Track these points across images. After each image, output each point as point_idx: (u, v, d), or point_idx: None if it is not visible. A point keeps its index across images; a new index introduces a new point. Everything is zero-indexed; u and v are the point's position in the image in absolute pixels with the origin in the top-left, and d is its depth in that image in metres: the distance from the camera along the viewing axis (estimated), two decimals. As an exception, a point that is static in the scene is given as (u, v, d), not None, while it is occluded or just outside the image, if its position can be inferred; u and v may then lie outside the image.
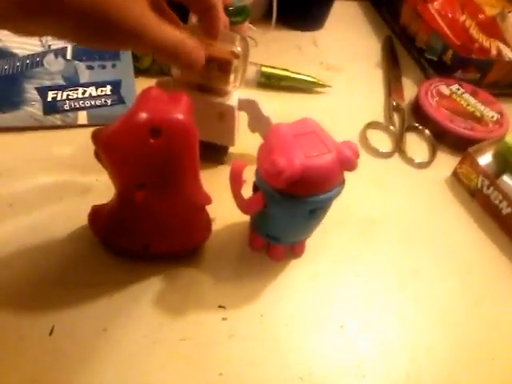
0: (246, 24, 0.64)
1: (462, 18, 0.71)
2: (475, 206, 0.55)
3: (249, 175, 0.39)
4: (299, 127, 0.38)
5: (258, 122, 0.51)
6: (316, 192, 0.37)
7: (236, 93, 0.48)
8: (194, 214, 0.39)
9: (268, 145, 0.38)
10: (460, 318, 0.44)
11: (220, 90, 0.47)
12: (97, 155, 0.36)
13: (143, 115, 0.33)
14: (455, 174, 0.57)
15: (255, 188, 0.40)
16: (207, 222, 0.42)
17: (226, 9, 0.59)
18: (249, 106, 0.50)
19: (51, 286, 0.39)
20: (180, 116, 0.33)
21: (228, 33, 0.51)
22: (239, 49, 0.45)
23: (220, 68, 0.45)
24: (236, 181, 0.40)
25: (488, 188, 0.53)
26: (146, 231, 0.39)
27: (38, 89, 0.51)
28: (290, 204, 0.38)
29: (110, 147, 0.34)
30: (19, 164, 0.47)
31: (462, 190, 0.56)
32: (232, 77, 0.46)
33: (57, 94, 0.51)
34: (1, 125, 0.48)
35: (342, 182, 0.39)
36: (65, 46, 0.53)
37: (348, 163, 0.37)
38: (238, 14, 0.61)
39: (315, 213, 0.39)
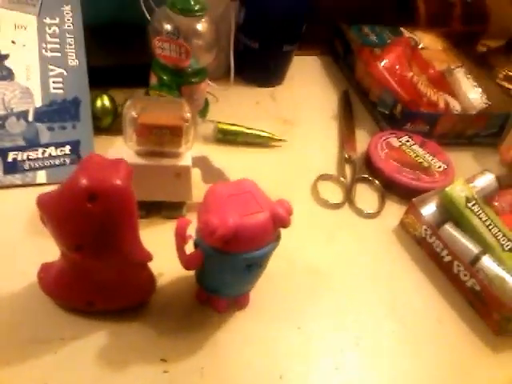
0: (205, 83, 0.68)
1: (410, 74, 0.75)
2: (421, 253, 0.57)
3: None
4: (235, 188, 0.41)
5: (211, 174, 0.54)
6: (250, 249, 0.40)
7: (189, 152, 0.52)
8: (134, 272, 0.41)
9: (205, 205, 0.41)
10: (401, 365, 0.46)
11: (174, 153, 0.50)
12: (41, 218, 0.38)
13: (81, 181, 0.35)
14: (402, 223, 0.60)
15: (195, 245, 0.42)
16: (150, 278, 0.44)
17: (184, 70, 0.64)
18: (201, 162, 0.53)
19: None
20: (116, 182, 0.36)
21: (175, 100, 0.55)
22: (188, 114, 0.48)
23: (172, 133, 0.48)
24: (180, 237, 0.42)
25: (431, 237, 0.56)
26: (88, 289, 0.41)
27: (-2, 150, 0.53)
28: (227, 260, 0.40)
29: (51, 211, 0.37)
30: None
31: (409, 239, 0.59)
32: (183, 139, 0.49)
33: (17, 154, 0.54)
34: (-39, 185, 0.51)
35: (277, 238, 0.42)
36: (27, 109, 0.56)
37: (281, 221, 0.40)
38: (196, 75, 0.65)
39: (252, 268, 0.41)
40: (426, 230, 0.56)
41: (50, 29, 0.60)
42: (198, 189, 0.53)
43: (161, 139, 0.48)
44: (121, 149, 0.50)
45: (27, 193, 0.53)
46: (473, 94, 0.78)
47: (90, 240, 0.37)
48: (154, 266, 0.45)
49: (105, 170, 0.37)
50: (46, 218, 0.37)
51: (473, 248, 0.54)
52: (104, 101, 0.61)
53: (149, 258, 0.41)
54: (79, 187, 0.35)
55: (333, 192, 0.63)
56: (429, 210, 0.58)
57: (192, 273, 0.45)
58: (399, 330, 0.49)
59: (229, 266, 0.41)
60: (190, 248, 0.42)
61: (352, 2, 0.87)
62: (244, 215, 0.39)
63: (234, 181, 0.42)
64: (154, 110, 0.48)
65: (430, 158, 0.67)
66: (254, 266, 0.41)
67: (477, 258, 0.53)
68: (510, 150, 0.73)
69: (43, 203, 0.37)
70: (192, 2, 0.59)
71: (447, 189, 0.58)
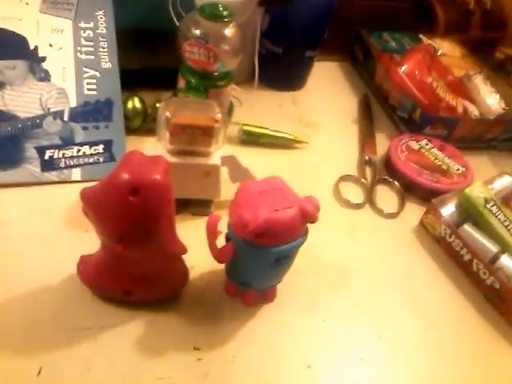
0: (231, 86, 0.70)
1: (429, 79, 0.77)
2: (440, 252, 0.59)
3: (224, 226, 0.44)
4: (265, 184, 0.43)
5: (238, 173, 0.56)
6: (280, 242, 0.42)
7: (218, 152, 0.54)
8: (171, 263, 0.44)
9: (237, 200, 0.43)
10: (423, 358, 0.48)
11: (204, 152, 0.53)
12: (84, 211, 0.41)
13: (124, 176, 0.38)
14: (422, 223, 0.62)
15: (227, 239, 0.44)
16: (184, 270, 0.46)
17: (211, 74, 0.66)
18: (229, 161, 0.56)
19: (41, 329, 0.43)
20: (156, 176, 0.38)
21: (207, 102, 0.58)
22: (219, 115, 0.51)
23: (204, 133, 0.51)
24: (211, 232, 0.44)
25: (450, 236, 0.57)
26: (126, 279, 0.43)
27: (36, 148, 0.56)
28: (257, 253, 0.42)
29: (95, 204, 0.39)
30: (17, 216, 0.52)
31: (428, 238, 0.60)
32: (214, 139, 0.52)
33: (53, 152, 0.56)
34: (2, 181, 0.53)
35: (305, 233, 0.43)
36: (62, 108, 0.58)
37: (309, 216, 0.42)
38: (222, 79, 0.67)
39: (281, 261, 0.43)
40: (445, 229, 0.58)
41: (84, 32, 0.63)
42: (225, 187, 0.55)
43: (193, 139, 0.50)
44: (153, 148, 0.52)
45: (63, 189, 0.55)
46: (491, 100, 0.79)
47: (131, 232, 0.39)
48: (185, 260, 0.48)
49: (145, 165, 0.39)
50: (90, 211, 0.40)
51: (492, 247, 0.55)
52: (135, 102, 0.64)
53: (184, 250, 0.43)
54: (122, 181, 0.38)
55: (354, 192, 0.65)
56: (448, 210, 0.60)
57: (221, 266, 0.47)
58: (419, 324, 0.50)
59: (259, 259, 0.43)
60: (220, 243, 0.44)
61: (372, 9, 0.89)
62: (274, 210, 0.41)
63: (263, 178, 0.44)
64: (186, 111, 0.51)
65: (449, 160, 0.69)
66: (283, 260, 0.43)
67: (496, 257, 0.54)
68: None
69: (87, 197, 0.39)
70: (221, 8, 0.61)
71: (466, 190, 0.59)
